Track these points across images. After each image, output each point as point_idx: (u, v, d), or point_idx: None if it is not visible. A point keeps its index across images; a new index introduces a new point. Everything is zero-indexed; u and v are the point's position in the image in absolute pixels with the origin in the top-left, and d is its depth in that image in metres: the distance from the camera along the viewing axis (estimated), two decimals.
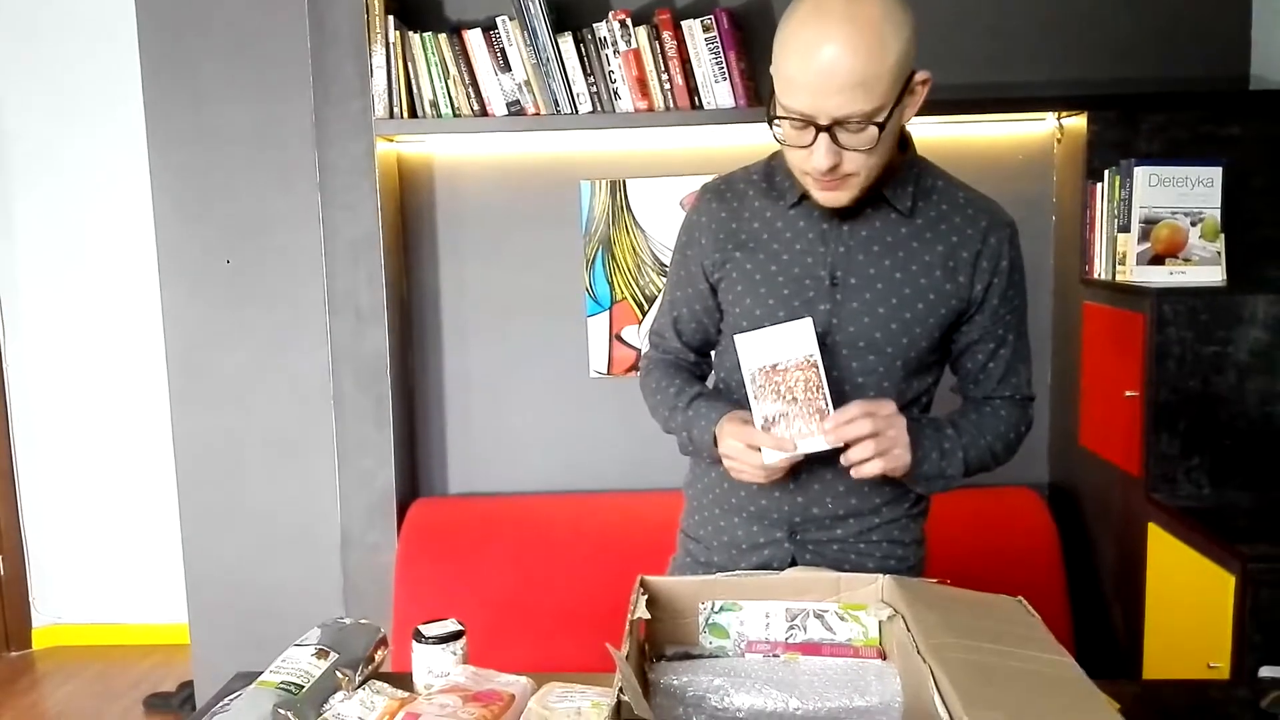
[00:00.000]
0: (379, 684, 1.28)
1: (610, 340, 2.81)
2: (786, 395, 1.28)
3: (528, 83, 2.54)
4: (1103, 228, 2.44)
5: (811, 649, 1.23)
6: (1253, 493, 2.14)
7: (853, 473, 1.30)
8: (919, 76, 1.27)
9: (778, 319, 1.36)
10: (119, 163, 3.62)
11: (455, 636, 1.31)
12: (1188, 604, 2.03)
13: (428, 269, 2.82)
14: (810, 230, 1.41)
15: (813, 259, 1.40)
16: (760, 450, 1.31)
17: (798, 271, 1.40)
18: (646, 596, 1.20)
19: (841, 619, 1.25)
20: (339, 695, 1.24)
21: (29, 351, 3.76)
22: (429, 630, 1.32)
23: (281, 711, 1.16)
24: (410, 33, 2.53)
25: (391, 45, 2.52)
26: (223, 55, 2.64)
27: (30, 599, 3.84)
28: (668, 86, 2.53)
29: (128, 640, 3.80)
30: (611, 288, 2.79)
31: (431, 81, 2.55)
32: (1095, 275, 2.48)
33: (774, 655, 1.22)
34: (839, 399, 1.31)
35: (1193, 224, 2.32)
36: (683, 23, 2.50)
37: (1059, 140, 2.68)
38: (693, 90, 2.53)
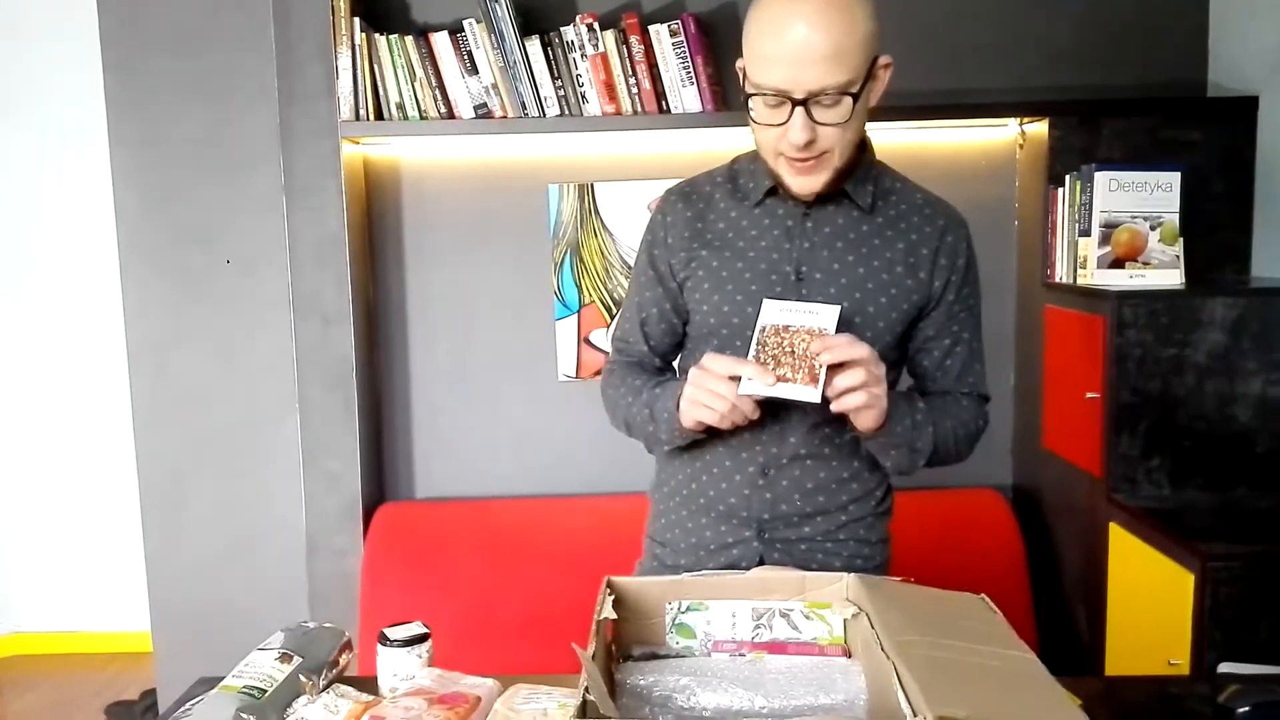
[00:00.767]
0: (343, 688, 1.27)
1: (579, 344, 2.81)
2: (786, 348, 1.28)
3: (495, 86, 2.53)
4: (1064, 232, 2.47)
5: (777, 648, 1.23)
6: (1212, 493, 2.17)
7: (834, 405, 1.28)
8: (882, 60, 1.32)
9: (745, 315, 1.38)
10: (69, 163, 3.57)
11: (420, 639, 1.30)
12: (1148, 602, 2.06)
13: (395, 272, 2.81)
14: (775, 227, 1.42)
15: (778, 255, 1.41)
16: (737, 385, 1.28)
17: (764, 268, 1.41)
18: (613, 597, 1.20)
19: (807, 618, 1.25)
20: (303, 699, 1.22)
21: None
22: (394, 633, 1.31)
23: (245, 716, 1.15)
24: (376, 35, 2.52)
25: (358, 47, 2.50)
26: (186, 55, 2.61)
27: None
28: (635, 90, 2.53)
29: (89, 649, 3.75)
30: (580, 291, 2.79)
31: (398, 84, 2.53)
32: (1057, 279, 2.51)
33: (740, 654, 1.22)
34: None
35: (1152, 228, 2.35)
36: (650, 27, 2.51)
37: (1021, 146, 2.72)
38: (660, 94, 2.54)
